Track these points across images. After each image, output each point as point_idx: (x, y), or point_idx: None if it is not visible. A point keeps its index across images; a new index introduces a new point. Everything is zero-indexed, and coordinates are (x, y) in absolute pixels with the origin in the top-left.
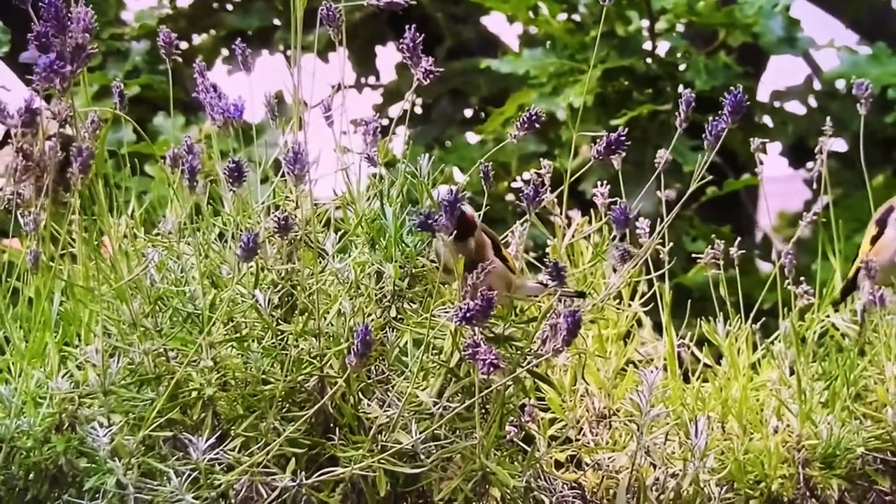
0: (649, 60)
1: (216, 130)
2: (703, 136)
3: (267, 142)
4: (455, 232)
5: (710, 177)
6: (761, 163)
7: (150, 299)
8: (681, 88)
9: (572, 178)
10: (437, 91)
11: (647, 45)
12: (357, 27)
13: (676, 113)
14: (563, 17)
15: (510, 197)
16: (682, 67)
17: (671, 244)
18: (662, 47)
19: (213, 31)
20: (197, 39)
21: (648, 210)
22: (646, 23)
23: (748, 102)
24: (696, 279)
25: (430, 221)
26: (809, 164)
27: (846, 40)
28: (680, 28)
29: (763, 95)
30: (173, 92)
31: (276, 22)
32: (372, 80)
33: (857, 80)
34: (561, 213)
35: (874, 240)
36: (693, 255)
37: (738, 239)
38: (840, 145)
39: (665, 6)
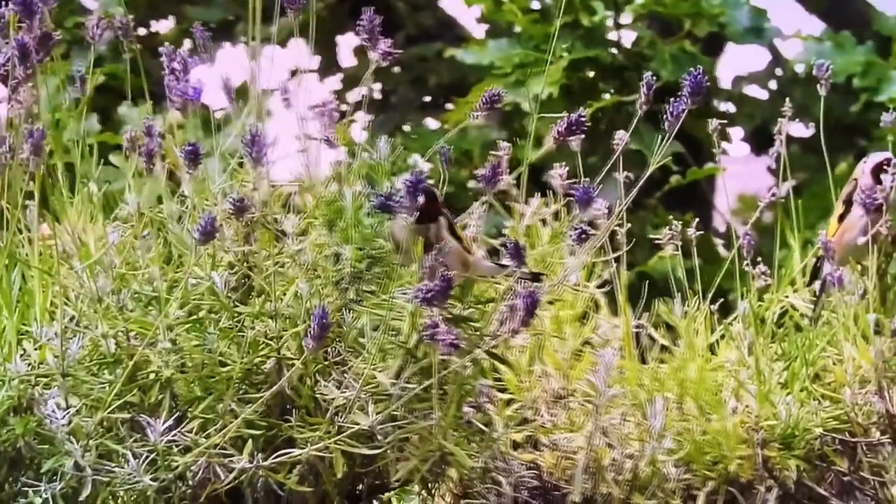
0: (615, 51)
1: (178, 120)
2: (664, 117)
3: (230, 132)
4: (419, 216)
5: (670, 157)
6: (724, 152)
7: (112, 279)
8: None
9: (536, 167)
10: (397, 79)
11: (613, 36)
12: (318, 17)
13: (638, 96)
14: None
15: (473, 184)
16: (648, 58)
17: (632, 231)
18: (628, 37)
19: (175, 21)
20: (155, 27)
21: (613, 199)
22: (611, 13)
23: (708, 84)
24: (659, 267)
25: (388, 202)
26: (772, 150)
27: (806, 25)
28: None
29: (723, 82)
30: (138, 82)
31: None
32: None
33: (818, 62)
34: (521, 198)
35: (841, 218)
36: (652, 239)
37: (697, 220)
38: (804, 131)
39: None
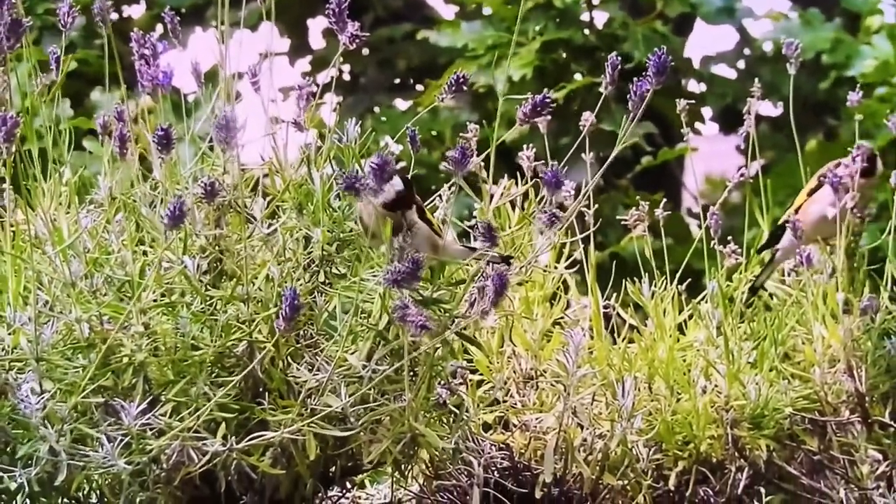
0: (587, 32)
1: (152, 105)
2: (629, 97)
3: (201, 117)
4: (393, 203)
5: (642, 138)
6: (698, 132)
7: (85, 263)
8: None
9: (511, 150)
10: (366, 61)
11: (585, 17)
12: (289, 1)
13: (603, 77)
14: None
15: (444, 167)
16: (620, 39)
17: (604, 212)
18: (600, 18)
19: (146, 6)
20: (127, 11)
21: (583, 179)
22: None
23: (673, 63)
24: (631, 248)
25: (355, 184)
26: (741, 130)
27: (774, 3)
28: None
29: (694, 62)
30: (110, 68)
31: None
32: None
33: (787, 40)
34: (489, 180)
35: (812, 192)
36: (620, 220)
37: (666, 200)
38: (773, 110)
39: None
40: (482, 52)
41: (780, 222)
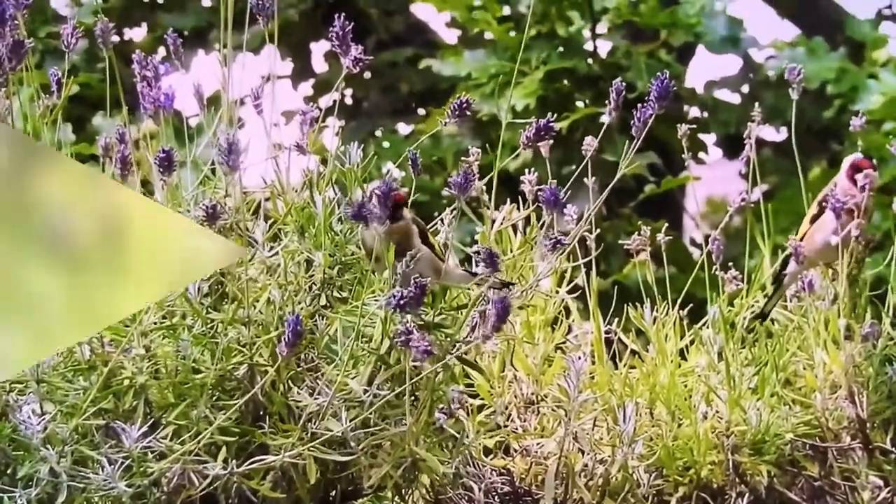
0: (591, 61)
1: (154, 130)
2: (632, 122)
3: (202, 140)
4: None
5: (645, 167)
6: (702, 161)
7: None
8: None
9: (514, 179)
10: (368, 85)
11: (588, 46)
12: (292, 25)
13: (606, 102)
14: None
15: (447, 192)
16: (623, 68)
17: (607, 240)
18: (603, 47)
19: (148, 29)
20: (129, 34)
21: (586, 206)
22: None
23: (675, 88)
24: (633, 276)
25: (362, 211)
26: (742, 155)
27: (779, 30)
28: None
29: (697, 88)
30: (112, 91)
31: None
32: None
33: (790, 66)
34: (490, 204)
35: (814, 219)
36: (626, 248)
37: (667, 227)
38: (777, 135)
39: (607, 6)
40: (485, 81)
41: (787, 251)
